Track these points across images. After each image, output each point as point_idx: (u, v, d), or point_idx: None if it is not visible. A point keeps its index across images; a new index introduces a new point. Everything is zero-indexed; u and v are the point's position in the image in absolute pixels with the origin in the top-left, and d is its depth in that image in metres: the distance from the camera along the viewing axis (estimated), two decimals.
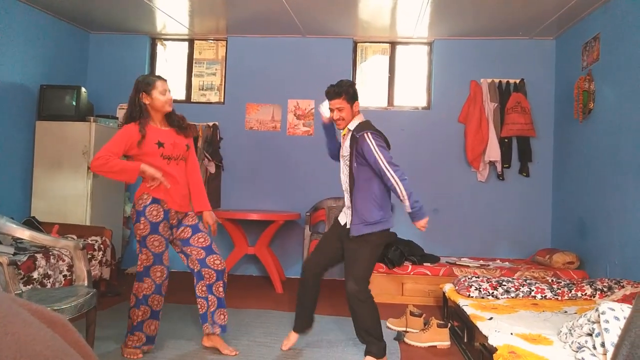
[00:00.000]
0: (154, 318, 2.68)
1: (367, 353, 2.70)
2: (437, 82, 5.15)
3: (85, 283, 2.59)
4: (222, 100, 5.38)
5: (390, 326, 3.37)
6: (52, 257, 3.30)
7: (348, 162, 2.66)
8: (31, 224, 3.84)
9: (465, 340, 2.89)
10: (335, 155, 2.91)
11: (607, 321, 1.90)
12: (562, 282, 3.42)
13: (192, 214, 2.78)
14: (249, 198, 5.17)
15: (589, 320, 2.04)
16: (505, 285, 3.29)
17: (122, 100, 5.31)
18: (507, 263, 4.50)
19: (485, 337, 2.35)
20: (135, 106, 2.57)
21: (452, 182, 5.06)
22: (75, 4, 4.51)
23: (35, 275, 3.09)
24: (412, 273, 4.19)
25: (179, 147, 2.65)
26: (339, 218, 2.86)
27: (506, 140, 4.92)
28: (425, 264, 4.30)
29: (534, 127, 4.83)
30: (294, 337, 2.91)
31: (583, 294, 3.26)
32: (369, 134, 2.57)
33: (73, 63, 5.14)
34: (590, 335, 2.00)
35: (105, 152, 2.46)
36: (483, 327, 2.49)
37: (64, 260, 3.41)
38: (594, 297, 3.24)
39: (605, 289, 3.26)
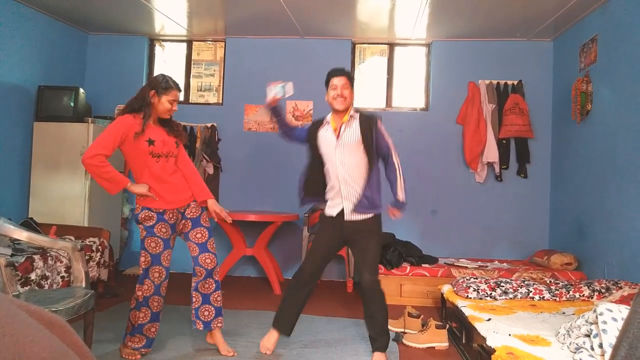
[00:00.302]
0: (154, 320, 2.68)
1: (379, 349, 2.71)
2: (435, 83, 5.16)
3: (83, 284, 2.58)
4: (221, 101, 5.38)
5: (389, 327, 3.37)
6: (49, 258, 3.29)
7: (355, 148, 2.60)
8: (29, 225, 3.83)
9: (463, 342, 2.89)
10: (298, 138, 2.83)
11: (605, 322, 1.90)
12: (560, 283, 3.43)
13: (194, 205, 2.74)
14: (247, 199, 5.17)
15: (587, 322, 2.04)
16: (503, 286, 3.29)
17: (120, 101, 5.29)
18: (505, 264, 4.50)
19: (484, 338, 2.35)
20: (142, 100, 2.57)
21: (450, 184, 5.07)
22: (73, 5, 4.51)
23: (32, 276, 3.08)
24: (410, 274, 4.20)
25: (169, 145, 2.66)
26: (328, 213, 2.72)
27: (504, 141, 4.93)
28: (423, 265, 4.30)
29: (531, 129, 4.84)
30: (275, 336, 2.78)
31: (581, 295, 3.27)
32: (380, 120, 2.66)
33: (71, 64, 5.13)
34: (589, 336, 2.00)
35: (99, 149, 2.46)
36: (481, 328, 2.50)
37: (61, 262, 3.40)
38: (592, 298, 3.25)
39: (603, 290, 3.27)
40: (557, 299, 3.24)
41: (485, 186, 5.04)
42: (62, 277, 3.38)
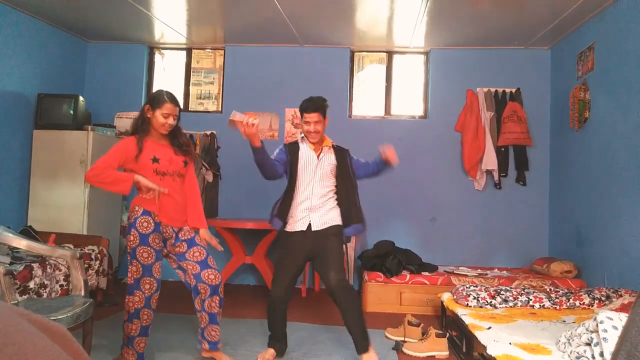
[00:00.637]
0: (143, 335, 2.61)
1: (365, 350, 2.73)
2: (434, 91, 5.18)
3: (82, 293, 2.57)
4: (220, 109, 5.40)
5: (389, 336, 3.36)
6: (48, 266, 3.28)
7: (330, 170, 2.86)
8: (28, 233, 3.82)
9: (463, 350, 2.88)
10: (278, 172, 2.80)
11: (605, 330, 1.90)
12: (560, 291, 3.42)
13: (187, 228, 2.69)
14: (247, 207, 5.16)
15: (587, 330, 2.03)
16: (503, 294, 3.28)
17: (119, 109, 5.32)
18: (505, 272, 4.50)
19: (484, 347, 2.34)
20: (141, 117, 2.58)
21: (449, 191, 5.07)
22: (73, 14, 4.53)
23: (31, 285, 3.07)
24: (410, 282, 4.19)
25: (176, 163, 2.61)
26: (297, 228, 2.80)
27: (503, 149, 4.94)
28: (423, 273, 4.29)
29: (530, 136, 4.85)
30: (271, 352, 2.87)
31: (581, 303, 3.26)
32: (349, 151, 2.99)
33: (71, 72, 5.15)
34: (589, 344, 2.00)
35: (100, 163, 2.45)
36: (482, 336, 2.49)
37: (60, 270, 3.39)
38: (592, 306, 3.24)
39: (603, 298, 3.26)
40: (558, 307, 3.23)
41: (484, 194, 5.04)
42: (61, 285, 3.37)
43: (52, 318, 2.13)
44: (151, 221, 2.54)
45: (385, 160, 2.89)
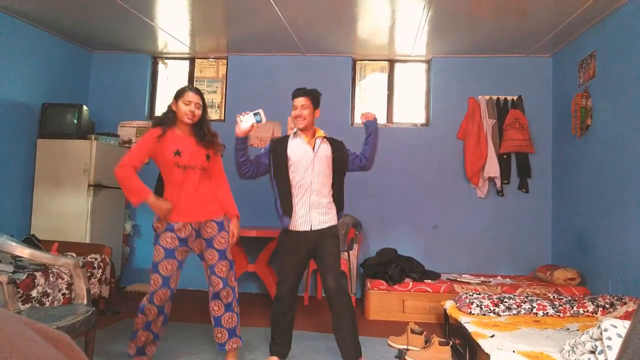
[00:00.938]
0: (146, 329, 2.65)
1: (359, 356, 2.74)
2: (436, 99, 5.20)
3: (85, 301, 2.57)
4: (223, 118, 5.42)
5: (392, 344, 3.34)
6: (51, 275, 3.28)
7: (327, 163, 2.81)
8: (31, 242, 3.83)
9: (467, 358, 2.86)
10: (250, 170, 2.84)
11: (609, 338, 1.89)
12: (564, 299, 3.40)
13: (213, 226, 2.68)
14: (249, 215, 5.16)
15: (591, 338, 2.02)
16: (506, 302, 3.27)
17: (123, 119, 5.35)
18: (508, 279, 4.48)
19: (488, 355, 2.33)
20: (167, 111, 2.65)
21: (451, 199, 5.07)
22: (78, 24, 4.58)
23: (34, 293, 3.07)
24: (412, 290, 4.17)
25: (198, 157, 2.62)
26: (299, 228, 2.78)
27: (505, 156, 4.94)
28: (426, 280, 4.28)
29: (532, 143, 4.85)
30: None
31: (585, 310, 3.24)
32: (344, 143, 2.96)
33: (75, 81, 5.19)
34: (593, 352, 1.99)
35: (128, 160, 2.51)
36: (485, 344, 2.47)
37: (63, 279, 3.39)
38: (596, 314, 3.22)
39: (607, 306, 3.24)
40: (561, 314, 3.22)
41: (487, 201, 5.03)
42: (64, 294, 3.37)
43: (55, 327, 2.12)
44: (175, 237, 2.59)
45: (365, 124, 2.84)
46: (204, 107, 2.70)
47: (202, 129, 2.68)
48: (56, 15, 4.33)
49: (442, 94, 5.18)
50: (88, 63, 5.41)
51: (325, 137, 2.88)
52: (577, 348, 2.12)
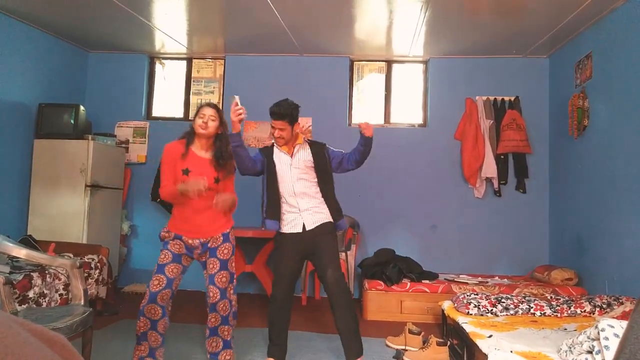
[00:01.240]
0: (153, 329, 2.64)
1: (358, 355, 2.75)
2: (433, 99, 5.20)
3: (82, 302, 2.56)
4: None
5: (390, 344, 3.34)
6: (48, 275, 3.27)
7: (308, 167, 2.84)
8: (27, 242, 3.82)
9: (465, 359, 2.86)
10: (255, 165, 2.86)
11: (606, 338, 1.89)
12: (561, 299, 3.41)
13: (218, 237, 2.71)
14: (246, 215, 5.15)
15: (588, 338, 2.03)
16: (504, 302, 3.27)
17: (120, 119, 5.34)
18: (505, 280, 4.48)
19: (485, 356, 2.33)
20: (190, 127, 2.74)
21: (449, 199, 5.08)
22: (75, 24, 4.57)
23: (30, 294, 3.06)
24: (410, 290, 4.18)
25: (206, 179, 2.61)
26: (291, 230, 2.81)
27: (502, 156, 4.95)
28: (423, 281, 4.28)
29: (529, 144, 4.86)
30: None
31: (582, 310, 3.25)
32: (326, 144, 2.99)
33: (72, 81, 5.18)
34: (591, 352, 1.99)
35: (166, 187, 2.62)
36: (483, 345, 2.48)
37: (60, 279, 3.38)
38: (594, 314, 3.23)
39: (604, 306, 3.25)
40: (559, 314, 3.22)
41: (484, 201, 5.04)
42: (61, 294, 3.36)
43: (52, 327, 2.12)
44: (183, 245, 2.65)
45: (362, 133, 2.80)
46: (223, 123, 2.73)
47: (217, 145, 2.70)
48: (53, 15, 4.32)
49: (440, 95, 5.19)
50: (85, 63, 5.40)
51: (307, 141, 2.94)
52: (574, 348, 2.12)
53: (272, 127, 2.83)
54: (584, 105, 4.15)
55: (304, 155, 2.87)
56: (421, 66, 5.36)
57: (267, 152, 2.92)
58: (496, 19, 4.11)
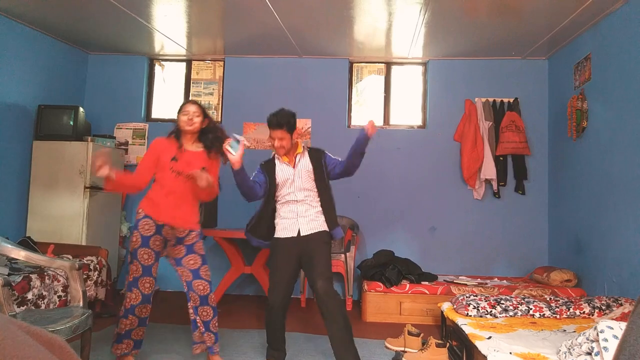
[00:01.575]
0: (141, 325, 2.75)
1: None
2: (432, 101, 5.21)
3: (81, 304, 2.56)
4: (220, 120, 5.41)
5: (389, 346, 3.34)
6: (47, 277, 3.27)
7: (308, 175, 2.86)
8: (26, 243, 3.81)
9: None
10: (257, 194, 2.86)
11: (606, 340, 1.89)
12: (560, 300, 3.41)
13: (195, 234, 2.80)
14: (246, 217, 5.14)
15: (587, 339, 2.03)
16: (503, 303, 3.27)
17: (119, 120, 5.34)
18: (504, 281, 4.48)
19: (485, 357, 2.33)
20: (175, 126, 2.83)
21: (448, 200, 5.08)
22: (74, 26, 4.57)
23: (29, 296, 3.06)
24: (410, 292, 4.17)
25: (192, 166, 2.69)
26: (286, 235, 2.82)
27: (501, 158, 4.96)
28: (423, 282, 4.28)
29: (528, 146, 4.87)
30: None
31: (581, 312, 3.25)
32: (325, 151, 2.99)
33: (71, 83, 5.17)
34: (590, 354, 1.99)
35: (136, 170, 2.77)
36: (482, 346, 2.48)
37: (59, 281, 3.37)
38: (593, 315, 3.23)
39: (603, 307, 3.25)
40: (558, 316, 3.22)
41: (484, 203, 5.04)
42: (60, 296, 3.35)
43: (50, 329, 2.12)
44: (152, 224, 2.68)
45: (365, 130, 2.77)
46: (206, 114, 2.83)
47: (205, 136, 2.81)
48: (53, 17, 4.32)
49: (439, 96, 5.19)
50: (84, 65, 5.40)
51: (306, 149, 2.96)
52: (573, 349, 2.12)
53: (271, 137, 2.84)
54: (582, 107, 4.16)
55: (305, 164, 2.89)
56: (420, 68, 5.37)
57: (269, 167, 2.93)
58: (495, 21, 4.11)
